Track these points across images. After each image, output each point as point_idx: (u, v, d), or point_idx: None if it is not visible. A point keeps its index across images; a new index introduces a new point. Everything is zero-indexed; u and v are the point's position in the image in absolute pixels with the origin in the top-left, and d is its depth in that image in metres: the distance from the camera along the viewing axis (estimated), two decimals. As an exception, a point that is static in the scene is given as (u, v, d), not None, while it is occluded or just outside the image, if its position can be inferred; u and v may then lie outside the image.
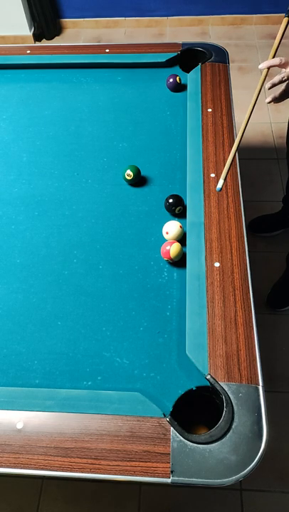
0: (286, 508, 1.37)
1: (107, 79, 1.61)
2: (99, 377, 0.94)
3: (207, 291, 1.00)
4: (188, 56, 1.59)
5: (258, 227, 2.02)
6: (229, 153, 1.26)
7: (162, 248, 1.09)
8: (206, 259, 1.05)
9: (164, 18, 3.12)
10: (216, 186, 1.19)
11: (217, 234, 1.10)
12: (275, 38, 2.67)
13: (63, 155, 1.40)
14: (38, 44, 2.18)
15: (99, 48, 1.67)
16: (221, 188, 1.12)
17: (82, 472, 0.79)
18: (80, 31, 3.21)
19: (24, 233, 1.22)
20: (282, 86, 1.19)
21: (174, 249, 1.07)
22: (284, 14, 1.17)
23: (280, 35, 1.18)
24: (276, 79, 1.15)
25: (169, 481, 0.77)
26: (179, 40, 1.66)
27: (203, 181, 1.21)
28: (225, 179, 1.11)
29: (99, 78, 1.62)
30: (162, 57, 1.60)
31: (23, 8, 2.94)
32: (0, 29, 3.07)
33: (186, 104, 1.45)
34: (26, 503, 1.42)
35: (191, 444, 0.80)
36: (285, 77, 1.14)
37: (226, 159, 1.23)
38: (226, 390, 0.85)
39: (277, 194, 2.16)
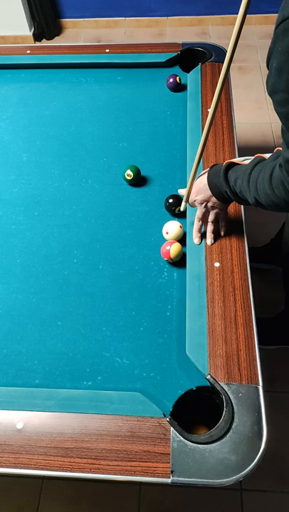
0: (286, 508, 1.37)
1: (107, 79, 1.61)
2: (99, 377, 0.94)
3: (207, 291, 1.00)
4: (188, 56, 1.59)
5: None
6: (229, 153, 1.26)
7: (162, 248, 1.09)
8: (206, 259, 1.05)
9: (164, 18, 3.11)
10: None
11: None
12: (275, 38, 2.66)
13: (63, 155, 1.40)
14: (38, 44, 2.18)
15: (99, 48, 1.67)
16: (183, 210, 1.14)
17: (82, 472, 0.79)
18: (80, 31, 3.21)
19: (24, 233, 1.22)
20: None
21: (174, 249, 1.07)
22: None
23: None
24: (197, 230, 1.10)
25: (169, 481, 0.77)
26: (179, 40, 1.66)
27: (203, 181, 1.20)
28: (186, 201, 1.11)
29: (99, 78, 1.62)
30: (162, 57, 1.60)
31: (23, 8, 2.94)
32: (0, 29, 3.07)
33: (186, 104, 1.45)
34: (26, 503, 1.42)
35: (191, 444, 0.80)
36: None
37: (226, 159, 1.23)
38: (226, 390, 0.85)
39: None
